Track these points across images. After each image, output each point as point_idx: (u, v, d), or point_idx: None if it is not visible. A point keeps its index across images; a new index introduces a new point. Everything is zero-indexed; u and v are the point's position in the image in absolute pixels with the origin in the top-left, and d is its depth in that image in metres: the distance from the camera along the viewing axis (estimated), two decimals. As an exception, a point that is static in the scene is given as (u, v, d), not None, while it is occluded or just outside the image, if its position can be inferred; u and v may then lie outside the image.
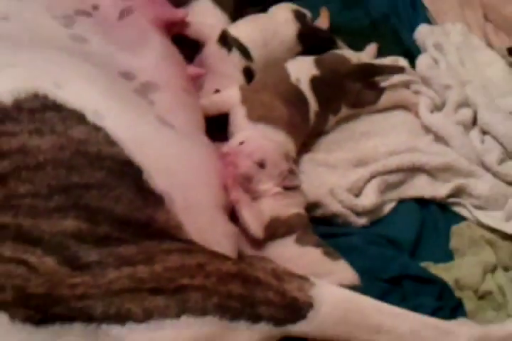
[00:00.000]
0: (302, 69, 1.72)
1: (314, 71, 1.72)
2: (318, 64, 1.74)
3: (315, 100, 1.66)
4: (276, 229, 1.53)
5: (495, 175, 1.66)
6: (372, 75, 1.75)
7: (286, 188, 1.56)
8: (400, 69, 1.76)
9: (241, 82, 1.76)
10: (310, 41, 1.84)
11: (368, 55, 1.85)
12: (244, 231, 1.52)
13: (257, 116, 1.61)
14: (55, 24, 1.58)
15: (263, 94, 1.66)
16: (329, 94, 1.70)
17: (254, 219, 1.48)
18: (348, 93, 1.74)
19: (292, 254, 1.51)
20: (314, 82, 1.68)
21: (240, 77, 1.76)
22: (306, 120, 1.67)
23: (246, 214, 1.49)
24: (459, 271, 1.56)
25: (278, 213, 1.53)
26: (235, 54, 1.73)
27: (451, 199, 1.65)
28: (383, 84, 1.76)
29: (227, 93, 1.70)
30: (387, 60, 1.84)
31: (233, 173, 1.52)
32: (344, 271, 1.49)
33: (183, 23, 1.73)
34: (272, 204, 1.54)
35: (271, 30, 1.82)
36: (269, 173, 1.54)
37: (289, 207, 1.56)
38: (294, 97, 1.66)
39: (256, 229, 1.48)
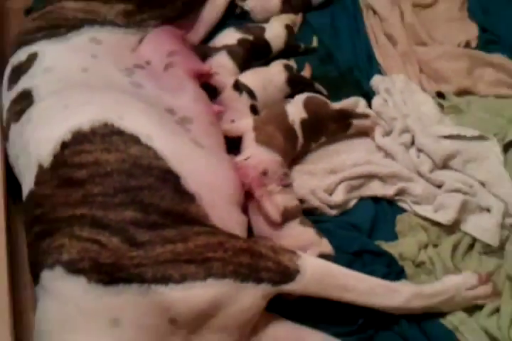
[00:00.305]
0: (296, 113, 1.69)
1: (303, 115, 1.69)
2: (306, 108, 1.70)
3: (302, 136, 1.66)
4: (287, 215, 1.51)
5: (427, 180, 1.66)
6: (347, 118, 1.73)
7: (284, 186, 1.58)
8: (365, 116, 1.75)
9: (249, 115, 1.73)
10: (296, 85, 1.80)
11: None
12: (266, 217, 1.52)
13: (262, 141, 1.62)
14: (119, 74, 1.60)
15: (269, 126, 1.66)
16: (313, 132, 1.69)
17: (273, 209, 1.49)
18: (327, 130, 1.72)
19: (297, 232, 1.52)
20: (303, 123, 1.68)
21: (248, 111, 1.74)
22: (294, 148, 1.68)
23: (268, 206, 1.49)
24: (401, 247, 1.58)
25: (286, 204, 1.53)
26: (244, 95, 1.72)
27: (397, 197, 1.65)
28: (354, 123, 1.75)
29: (244, 121, 1.68)
30: (351, 100, 1.79)
31: (255, 178, 1.53)
32: (326, 245, 1.50)
33: (208, 74, 1.74)
34: (281, 198, 1.53)
35: (268, 78, 1.80)
36: (270, 178, 1.55)
37: (292, 200, 1.56)
38: (289, 133, 1.66)
39: (275, 215, 1.49)
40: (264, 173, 1.55)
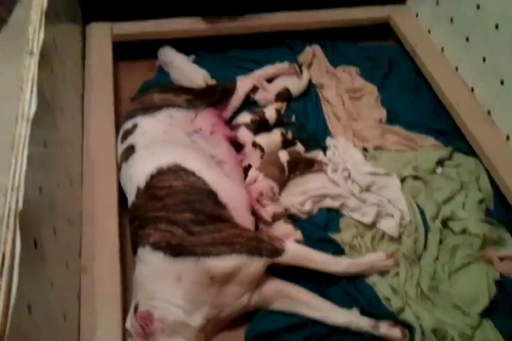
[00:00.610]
0: (284, 157, 1.65)
1: (288, 158, 1.65)
2: (290, 155, 1.66)
3: (287, 170, 1.65)
4: (276, 217, 1.50)
5: (357, 198, 1.60)
6: (311, 162, 1.69)
7: (274, 200, 1.56)
8: (319, 161, 1.73)
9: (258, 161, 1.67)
10: (287, 144, 1.74)
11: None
12: (262, 220, 1.50)
13: (265, 173, 1.60)
14: (184, 136, 1.63)
15: (269, 165, 1.62)
16: (293, 168, 1.65)
17: (266, 215, 1.48)
18: (301, 167, 1.67)
19: (282, 227, 1.49)
20: (288, 163, 1.64)
21: (259, 159, 1.67)
22: (283, 178, 1.63)
23: (262, 213, 1.48)
24: (343, 237, 1.52)
25: (275, 210, 1.50)
26: (258, 150, 1.71)
27: (340, 208, 1.59)
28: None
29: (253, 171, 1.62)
30: (315, 152, 1.77)
31: (254, 198, 1.51)
32: (299, 235, 1.48)
33: (234, 138, 1.72)
34: (272, 207, 1.51)
35: (272, 140, 1.73)
36: (266, 196, 1.53)
37: (279, 208, 1.53)
38: (281, 169, 1.62)
39: (266, 218, 1.47)
40: (261, 194, 1.53)
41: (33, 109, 1.06)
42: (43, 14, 1.28)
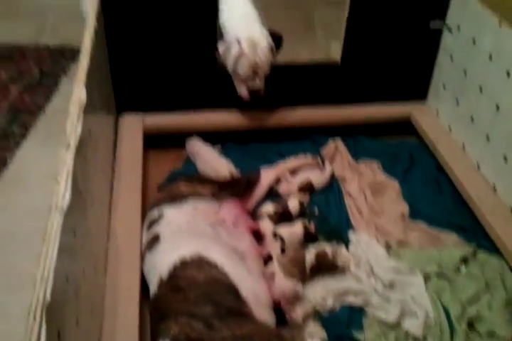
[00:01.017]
0: (309, 260, 1.62)
1: (314, 261, 1.62)
2: (317, 258, 1.63)
3: (309, 272, 1.63)
4: (306, 318, 1.51)
5: (380, 295, 1.57)
6: (335, 265, 1.67)
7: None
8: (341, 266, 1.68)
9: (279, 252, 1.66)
10: (309, 237, 1.74)
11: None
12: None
13: (284, 271, 1.57)
14: (208, 227, 1.64)
15: (291, 265, 1.59)
16: (316, 271, 1.65)
17: (296, 316, 1.49)
18: (324, 269, 1.66)
19: (307, 325, 1.49)
20: (312, 267, 1.62)
21: (279, 250, 1.65)
22: (304, 279, 1.61)
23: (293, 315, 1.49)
24: (367, 335, 1.48)
25: (306, 311, 1.52)
26: (279, 241, 1.67)
27: (362, 305, 1.57)
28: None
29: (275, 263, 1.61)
30: (336, 247, 1.74)
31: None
32: (323, 333, 1.47)
33: (258, 229, 1.74)
34: (302, 308, 1.52)
35: (293, 232, 1.72)
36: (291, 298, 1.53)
37: (309, 307, 1.54)
38: (303, 271, 1.60)
39: (299, 320, 1.49)
40: (284, 296, 1.52)
41: (67, 200, 1.09)
42: (81, 108, 1.34)
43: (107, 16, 1.90)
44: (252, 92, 2.00)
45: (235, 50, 1.91)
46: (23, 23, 3.18)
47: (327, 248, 1.69)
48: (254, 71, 1.96)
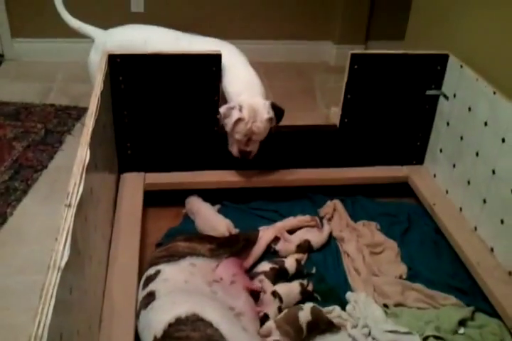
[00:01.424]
0: (304, 318, 1.61)
1: (310, 318, 1.61)
2: (312, 314, 1.64)
3: (306, 330, 1.61)
4: None
5: None
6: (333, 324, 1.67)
7: None
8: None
9: (276, 311, 1.67)
10: (305, 294, 1.76)
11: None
12: None
13: (280, 331, 1.56)
14: (205, 285, 1.64)
15: (286, 324, 1.58)
16: (313, 329, 1.63)
17: None
18: (322, 328, 1.66)
19: None
20: (308, 324, 1.61)
21: (276, 309, 1.66)
22: (300, 337, 1.60)
23: None
24: None
25: None
26: (277, 300, 1.69)
27: None
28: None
29: (268, 323, 1.60)
30: (331, 308, 1.74)
31: None
32: None
33: (255, 289, 1.73)
34: None
35: (290, 295, 1.73)
36: None
37: None
38: (299, 330, 1.59)
39: None
40: None
41: (65, 259, 1.09)
42: (84, 168, 1.37)
43: (113, 80, 1.99)
44: (243, 153, 2.09)
45: (235, 116, 1.99)
46: (32, 83, 3.31)
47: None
48: (249, 138, 2.04)
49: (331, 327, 1.67)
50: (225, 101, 2.12)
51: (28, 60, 3.56)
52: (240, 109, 2.00)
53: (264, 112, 2.02)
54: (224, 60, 2.04)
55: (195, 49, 2.09)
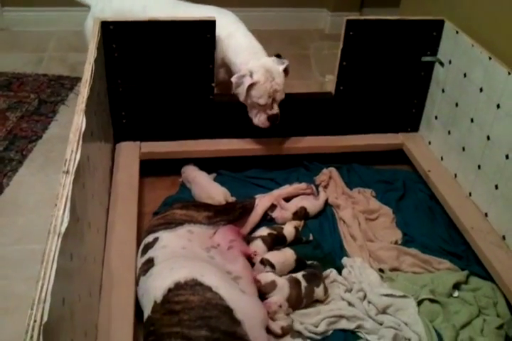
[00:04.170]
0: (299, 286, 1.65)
1: (305, 284, 1.64)
2: (306, 280, 1.67)
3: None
4: (286, 331, 1.55)
5: (373, 320, 1.60)
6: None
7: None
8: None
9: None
10: (300, 263, 1.77)
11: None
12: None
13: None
14: (202, 251, 1.67)
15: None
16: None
17: (276, 327, 1.53)
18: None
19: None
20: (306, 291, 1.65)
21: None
22: (300, 303, 1.65)
23: (272, 325, 1.52)
24: None
25: (284, 324, 1.55)
26: (267, 267, 1.71)
27: (355, 330, 1.58)
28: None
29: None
30: (328, 271, 1.78)
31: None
32: None
33: (250, 254, 1.75)
34: (283, 321, 1.56)
35: (285, 257, 1.76)
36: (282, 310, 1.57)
37: (288, 322, 1.58)
38: (299, 295, 1.64)
39: (276, 330, 1.53)
40: (280, 306, 1.55)
41: (65, 224, 1.11)
42: (80, 136, 1.37)
43: (106, 47, 1.96)
44: (271, 118, 2.06)
45: (247, 82, 1.97)
46: (24, 53, 3.27)
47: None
48: (273, 98, 2.02)
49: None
50: (229, 73, 2.12)
51: (18, 30, 3.51)
52: (251, 75, 1.98)
53: (277, 67, 2.02)
54: (224, 30, 2.03)
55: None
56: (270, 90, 2.00)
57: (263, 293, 1.61)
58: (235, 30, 2.11)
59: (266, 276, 1.65)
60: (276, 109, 2.05)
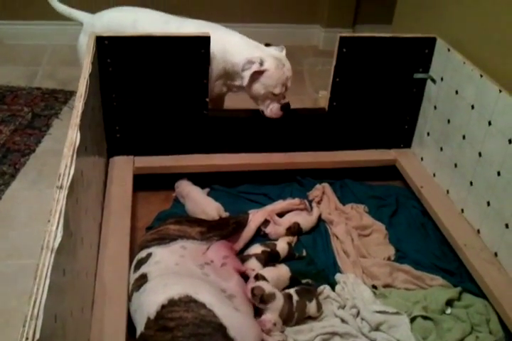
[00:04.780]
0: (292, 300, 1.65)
1: (296, 298, 1.64)
2: (298, 294, 1.67)
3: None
4: None
5: (366, 337, 1.58)
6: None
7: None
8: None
9: None
10: (294, 281, 1.76)
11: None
12: None
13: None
14: (196, 268, 1.66)
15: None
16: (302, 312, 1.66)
17: None
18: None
19: None
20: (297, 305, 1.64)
21: None
22: (292, 320, 1.64)
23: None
24: None
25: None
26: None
27: None
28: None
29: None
30: (322, 287, 1.77)
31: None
32: None
33: (244, 271, 1.74)
34: (279, 337, 1.55)
35: (280, 274, 1.74)
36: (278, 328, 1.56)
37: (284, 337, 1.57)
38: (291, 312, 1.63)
39: None
40: (275, 324, 1.55)
41: (58, 240, 1.10)
42: (74, 151, 1.36)
43: (101, 62, 1.97)
44: (284, 107, 2.09)
45: (253, 69, 2.00)
46: (18, 67, 3.28)
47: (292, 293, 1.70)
48: (286, 86, 2.07)
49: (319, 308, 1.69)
50: (228, 85, 2.16)
51: (12, 43, 3.52)
52: (262, 63, 2.02)
53: (282, 54, 2.09)
54: (218, 43, 2.05)
55: (184, 31, 2.09)
56: (283, 77, 2.04)
57: (262, 301, 1.58)
58: (229, 37, 2.13)
59: (268, 286, 1.62)
60: (286, 98, 2.09)
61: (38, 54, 3.43)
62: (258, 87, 2.06)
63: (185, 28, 2.13)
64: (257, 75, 2.04)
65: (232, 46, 2.10)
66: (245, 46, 2.10)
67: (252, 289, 1.59)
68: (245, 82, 2.04)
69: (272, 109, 2.10)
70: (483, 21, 2.07)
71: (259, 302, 1.58)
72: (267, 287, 1.61)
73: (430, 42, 2.15)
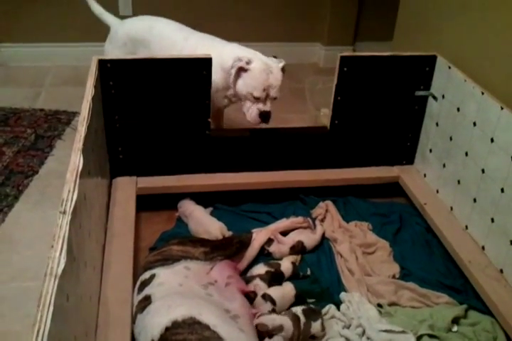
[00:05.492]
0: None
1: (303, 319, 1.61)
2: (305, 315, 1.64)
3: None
4: None
5: None
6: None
7: None
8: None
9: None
10: (300, 299, 1.75)
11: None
12: None
13: None
14: (200, 288, 1.64)
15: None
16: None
17: None
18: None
19: None
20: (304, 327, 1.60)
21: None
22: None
23: None
24: None
25: None
26: (268, 302, 1.69)
27: None
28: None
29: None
30: (326, 307, 1.76)
31: None
32: None
33: (248, 291, 1.74)
34: None
35: (285, 292, 1.75)
36: None
37: None
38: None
39: None
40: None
41: (62, 266, 1.10)
42: (77, 175, 1.36)
43: (103, 85, 1.99)
44: (263, 114, 2.09)
45: (239, 65, 2.04)
46: (21, 88, 3.31)
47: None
48: (268, 93, 2.07)
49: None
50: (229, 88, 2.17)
51: (15, 65, 3.56)
52: (248, 62, 2.05)
53: (276, 64, 2.10)
54: (216, 52, 2.07)
55: (189, 42, 2.19)
56: (266, 83, 2.05)
57: (269, 334, 1.56)
58: (226, 45, 2.20)
59: (273, 319, 1.58)
60: (268, 107, 2.10)
61: (41, 75, 3.46)
62: (241, 85, 2.09)
63: (190, 40, 2.21)
64: (241, 72, 2.07)
65: (227, 53, 2.14)
66: (239, 50, 2.15)
67: (256, 326, 1.57)
68: (231, 78, 2.08)
69: (251, 113, 2.11)
70: (483, 39, 2.08)
71: (267, 336, 1.56)
72: (271, 321, 1.57)
73: (431, 60, 2.16)
